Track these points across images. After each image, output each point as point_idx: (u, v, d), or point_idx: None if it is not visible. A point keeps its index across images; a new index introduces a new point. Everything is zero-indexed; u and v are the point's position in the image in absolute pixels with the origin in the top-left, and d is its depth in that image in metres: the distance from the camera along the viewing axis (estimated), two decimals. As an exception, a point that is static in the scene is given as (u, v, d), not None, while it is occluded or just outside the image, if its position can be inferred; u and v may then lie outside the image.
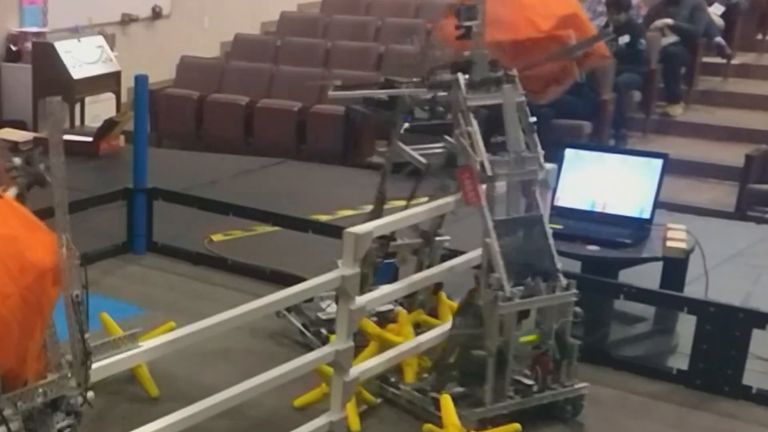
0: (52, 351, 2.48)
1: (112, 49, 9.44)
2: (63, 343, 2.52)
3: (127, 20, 10.26)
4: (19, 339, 2.30)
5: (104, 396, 3.73)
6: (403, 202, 4.06)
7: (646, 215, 4.54)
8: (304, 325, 4.22)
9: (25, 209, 2.43)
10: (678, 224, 4.55)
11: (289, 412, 3.68)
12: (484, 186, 3.50)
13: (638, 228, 4.50)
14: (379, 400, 3.76)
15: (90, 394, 2.55)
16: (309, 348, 3.95)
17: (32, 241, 2.33)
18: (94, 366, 2.65)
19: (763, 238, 6.13)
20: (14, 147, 7.89)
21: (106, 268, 5.21)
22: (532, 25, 4.02)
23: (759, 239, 6.09)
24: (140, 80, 5.33)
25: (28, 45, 9.05)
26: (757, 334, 3.89)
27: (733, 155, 7.85)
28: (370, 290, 3.79)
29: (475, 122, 3.57)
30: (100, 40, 9.35)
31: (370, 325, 3.91)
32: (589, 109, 8.10)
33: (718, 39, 9.98)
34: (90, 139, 7.61)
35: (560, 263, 3.62)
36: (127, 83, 8.69)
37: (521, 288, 3.48)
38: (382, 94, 3.94)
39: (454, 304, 4.06)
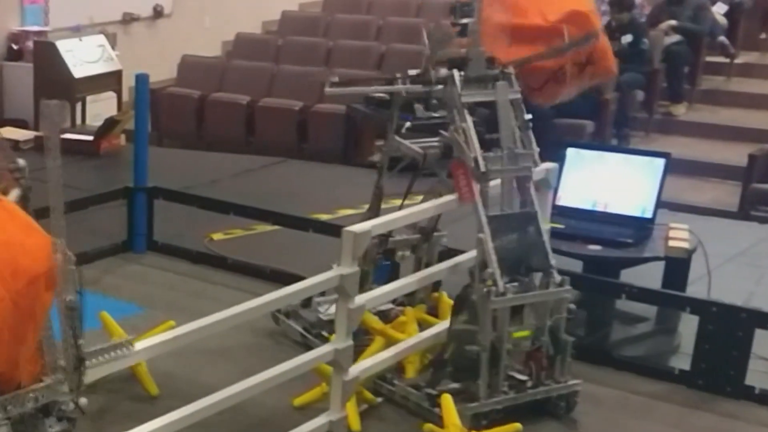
0: (48, 354, 2.47)
1: (113, 48, 9.43)
2: (60, 344, 2.50)
3: (128, 19, 10.25)
4: (10, 343, 2.28)
5: (104, 394, 3.73)
6: (400, 200, 4.05)
7: (648, 215, 4.52)
8: (304, 328, 4.21)
9: (22, 212, 2.41)
10: (680, 224, 4.53)
11: (288, 411, 3.66)
12: (477, 182, 3.50)
13: (640, 228, 4.48)
14: (379, 400, 3.75)
15: (83, 400, 2.52)
16: (310, 348, 3.93)
17: (27, 246, 2.31)
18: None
19: (766, 238, 6.11)
20: (15, 146, 7.91)
21: (106, 267, 5.20)
22: (541, 14, 4.01)
23: (762, 239, 6.07)
24: (141, 79, 5.32)
25: (30, 44, 9.04)
26: (759, 334, 3.87)
27: (737, 155, 7.84)
28: (371, 288, 3.78)
29: (469, 118, 3.58)
30: (101, 39, 9.33)
31: (375, 321, 3.89)
32: (591, 108, 8.08)
33: (722, 38, 9.97)
34: (91, 138, 7.61)
35: (554, 259, 3.62)
36: (128, 82, 8.68)
37: (515, 284, 3.48)
38: (377, 91, 3.94)
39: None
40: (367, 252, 3.76)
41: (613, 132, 8.50)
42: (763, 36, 10.88)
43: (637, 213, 4.54)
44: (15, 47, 9.13)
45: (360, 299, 3.36)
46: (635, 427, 3.76)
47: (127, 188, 5.43)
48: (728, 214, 6.86)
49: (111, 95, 9.29)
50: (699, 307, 4.02)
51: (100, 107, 9.03)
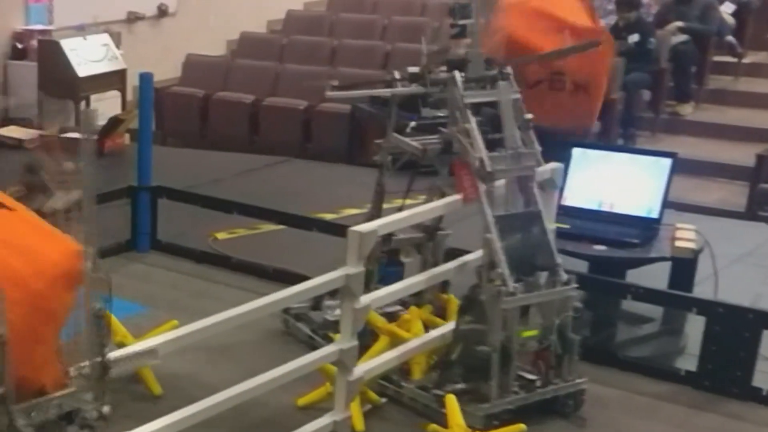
0: (72, 360, 2.45)
1: (117, 47, 9.42)
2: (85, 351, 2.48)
3: (132, 18, 10.24)
4: (30, 345, 2.29)
5: (107, 394, 3.71)
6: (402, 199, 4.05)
7: (655, 215, 4.50)
8: (312, 330, 4.20)
9: (41, 220, 2.42)
10: (687, 224, 4.51)
11: (292, 411, 3.65)
12: (482, 183, 3.49)
13: (646, 228, 4.46)
14: (383, 400, 3.73)
15: (106, 408, 2.51)
16: (315, 349, 3.91)
17: (46, 250, 2.34)
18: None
19: (774, 239, 6.09)
20: (19, 145, 7.90)
21: (110, 266, 5.09)
22: (583, 18, 4.02)
23: (769, 240, 6.05)
24: (145, 78, 5.31)
25: (34, 43, 9.03)
26: (767, 335, 3.85)
27: (744, 155, 7.80)
28: (376, 288, 3.76)
29: (473, 119, 3.57)
30: (105, 38, 9.32)
31: (380, 320, 3.88)
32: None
33: (730, 38, 9.93)
34: (95, 136, 7.58)
35: (560, 258, 3.61)
36: (132, 81, 8.67)
37: (520, 283, 3.48)
38: (377, 93, 3.95)
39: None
40: (371, 252, 3.74)
41: (619, 132, 8.46)
42: (770, 36, 10.85)
43: (643, 213, 4.52)
44: (19, 46, 9.12)
45: (365, 299, 3.34)
46: (641, 427, 3.74)
47: (130, 187, 5.42)
48: (735, 215, 6.83)
49: (115, 94, 9.27)
50: (705, 307, 4.00)
51: (105, 106, 9.00)
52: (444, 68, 3.76)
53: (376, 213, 4.02)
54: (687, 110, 9.33)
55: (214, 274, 5.16)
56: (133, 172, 5.44)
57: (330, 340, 4.00)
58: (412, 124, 4.01)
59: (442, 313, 4.12)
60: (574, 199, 4.60)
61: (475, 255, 3.85)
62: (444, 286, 4.17)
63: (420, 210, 3.72)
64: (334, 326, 4.04)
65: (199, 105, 9.11)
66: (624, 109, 8.43)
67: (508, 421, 3.47)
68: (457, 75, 3.63)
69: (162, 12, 10.57)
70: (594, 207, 4.60)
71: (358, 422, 3.51)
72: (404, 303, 4.13)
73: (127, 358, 2.68)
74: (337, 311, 4.03)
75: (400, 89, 3.84)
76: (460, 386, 3.55)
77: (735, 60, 10.10)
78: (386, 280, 3.96)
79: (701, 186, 7.63)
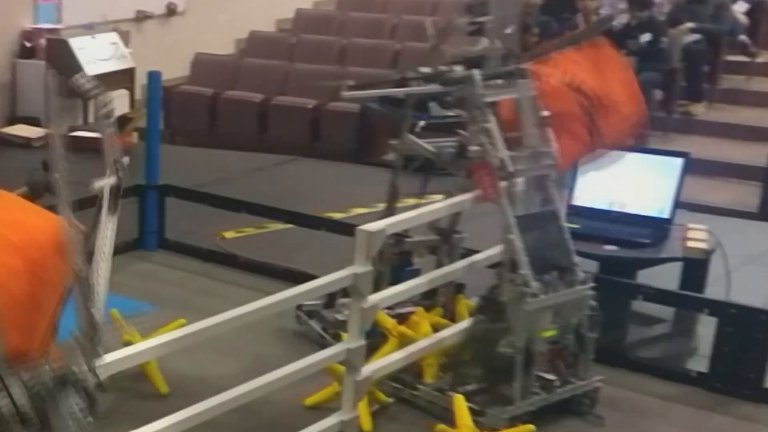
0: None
1: (126, 45, 9.42)
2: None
3: (141, 17, 10.24)
4: (28, 312, 2.31)
5: (113, 392, 3.68)
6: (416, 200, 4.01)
7: (666, 215, 4.47)
8: (323, 328, 4.18)
9: (28, 202, 2.47)
10: (699, 224, 4.47)
11: (300, 410, 3.63)
12: (503, 182, 3.46)
13: (657, 228, 4.43)
14: (391, 400, 3.71)
15: (102, 373, 2.49)
16: (324, 347, 3.89)
17: (34, 221, 2.40)
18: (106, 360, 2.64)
19: (787, 240, 6.04)
20: (27, 143, 7.90)
21: (117, 265, 5.07)
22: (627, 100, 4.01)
23: (782, 240, 6.00)
24: (153, 77, 5.31)
25: (42, 42, 9.03)
26: (779, 336, 3.81)
27: (757, 155, 7.75)
28: (387, 290, 3.74)
29: (492, 118, 3.53)
30: (114, 36, 9.32)
31: (388, 321, 3.85)
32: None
33: (743, 37, 9.88)
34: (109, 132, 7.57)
35: (577, 258, 3.59)
36: (141, 80, 8.65)
37: (541, 284, 3.44)
38: (395, 92, 3.91)
39: (473, 305, 4.00)
40: (382, 253, 3.72)
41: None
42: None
43: (654, 213, 4.48)
44: (28, 45, 9.11)
45: (373, 298, 3.32)
46: (652, 429, 3.71)
47: (138, 186, 5.40)
48: (748, 215, 6.78)
49: (123, 93, 9.26)
50: (717, 308, 3.97)
51: (113, 105, 9.00)
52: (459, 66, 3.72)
53: (389, 214, 3.98)
54: (699, 110, 9.28)
55: (222, 272, 5.14)
56: (141, 171, 5.42)
57: (339, 340, 3.98)
58: (422, 123, 3.98)
59: (453, 317, 4.08)
60: (584, 198, 4.56)
61: (485, 255, 3.83)
62: (459, 288, 4.13)
63: (429, 209, 3.69)
64: (344, 326, 4.02)
65: (207, 104, 9.10)
66: (635, 109, 8.37)
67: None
68: (476, 74, 3.58)
69: (171, 11, 10.57)
70: (605, 207, 4.56)
71: (366, 422, 3.49)
72: (417, 304, 4.10)
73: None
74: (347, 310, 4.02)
75: (416, 88, 3.79)
76: (475, 387, 3.54)
77: (748, 59, 10.04)
78: (402, 280, 3.94)
79: (713, 186, 7.57)
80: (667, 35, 8.75)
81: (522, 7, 7.54)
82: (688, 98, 9.31)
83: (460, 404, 3.39)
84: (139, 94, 9.17)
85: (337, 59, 9.53)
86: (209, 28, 10.83)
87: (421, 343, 3.67)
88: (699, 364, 4.08)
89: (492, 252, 3.78)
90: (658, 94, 8.82)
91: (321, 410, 3.57)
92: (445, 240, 4.09)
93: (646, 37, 8.48)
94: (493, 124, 3.52)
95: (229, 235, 5.65)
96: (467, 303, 4.08)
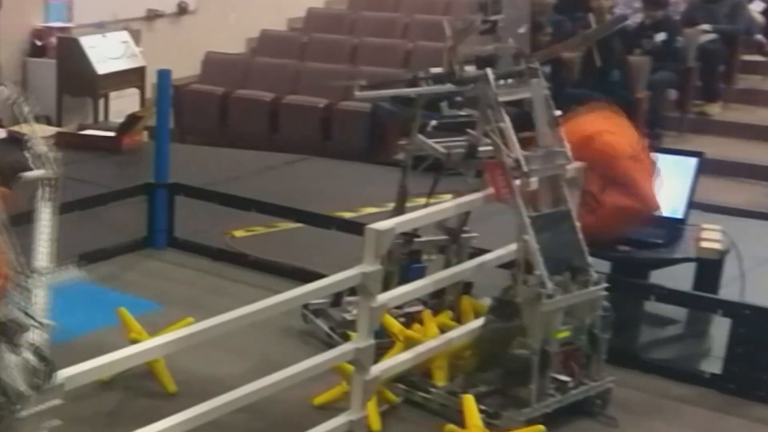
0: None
1: (137, 44, 9.43)
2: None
3: (152, 16, 10.26)
4: None
5: (120, 391, 3.69)
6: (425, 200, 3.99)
7: (680, 215, 4.42)
8: (331, 328, 4.15)
9: None
10: (713, 225, 4.43)
11: (308, 410, 3.60)
12: (517, 182, 3.43)
13: (671, 228, 4.38)
14: (400, 399, 3.68)
15: (46, 321, 2.47)
16: (332, 347, 3.87)
17: None
18: (110, 359, 2.65)
19: (802, 241, 5.98)
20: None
21: (126, 263, 5.16)
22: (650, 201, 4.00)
23: (798, 242, 5.94)
24: (163, 75, 5.29)
25: (53, 40, 9.06)
26: (795, 338, 3.77)
27: (773, 156, 7.73)
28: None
29: (507, 117, 3.50)
30: (124, 35, 9.35)
31: (395, 325, 3.82)
32: (622, 107, 7.93)
33: (759, 36, 9.83)
34: (112, 134, 7.59)
35: (590, 258, 3.56)
36: (151, 79, 8.67)
37: (555, 284, 3.41)
38: (408, 92, 3.88)
39: (480, 304, 3.97)
40: (391, 252, 3.69)
41: (645, 131, 8.36)
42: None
43: (667, 213, 4.43)
44: (39, 43, 9.15)
45: (382, 298, 3.29)
46: (664, 431, 3.68)
47: (148, 184, 5.39)
48: (763, 216, 6.72)
49: (134, 92, 9.30)
50: (731, 309, 3.93)
51: (123, 103, 9.03)
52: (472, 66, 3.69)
53: (398, 214, 3.96)
54: (715, 110, 9.23)
55: (231, 271, 5.12)
56: (151, 169, 5.41)
57: (348, 339, 3.95)
58: (433, 123, 3.96)
59: (461, 318, 4.05)
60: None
61: (494, 254, 3.80)
62: (466, 288, 4.10)
63: (438, 208, 3.67)
64: (353, 325, 4.00)
65: (218, 102, 9.11)
66: (650, 109, 8.34)
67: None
68: (490, 73, 3.55)
69: (182, 9, 10.59)
70: (618, 206, 4.52)
71: (375, 422, 3.46)
72: (426, 304, 4.07)
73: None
74: (356, 309, 3.99)
75: (429, 88, 3.77)
76: (488, 389, 3.51)
77: (764, 59, 9.98)
78: (409, 277, 3.92)
79: (728, 187, 7.53)
80: (682, 35, 8.70)
81: (535, 6, 7.49)
82: (703, 98, 9.26)
83: (470, 404, 3.36)
84: (149, 93, 9.19)
85: (349, 58, 9.51)
86: (220, 26, 10.84)
87: (428, 345, 3.64)
88: (712, 365, 4.04)
89: (502, 252, 3.76)
90: (673, 94, 8.77)
91: (329, 410, 3.54)
92: (453, 239, 4.06)
93: (661, 37, 8.44)
94: (507, 124, 3.49)
95: (239, 233, 5.63)
96: (474, 302, 4.05)
